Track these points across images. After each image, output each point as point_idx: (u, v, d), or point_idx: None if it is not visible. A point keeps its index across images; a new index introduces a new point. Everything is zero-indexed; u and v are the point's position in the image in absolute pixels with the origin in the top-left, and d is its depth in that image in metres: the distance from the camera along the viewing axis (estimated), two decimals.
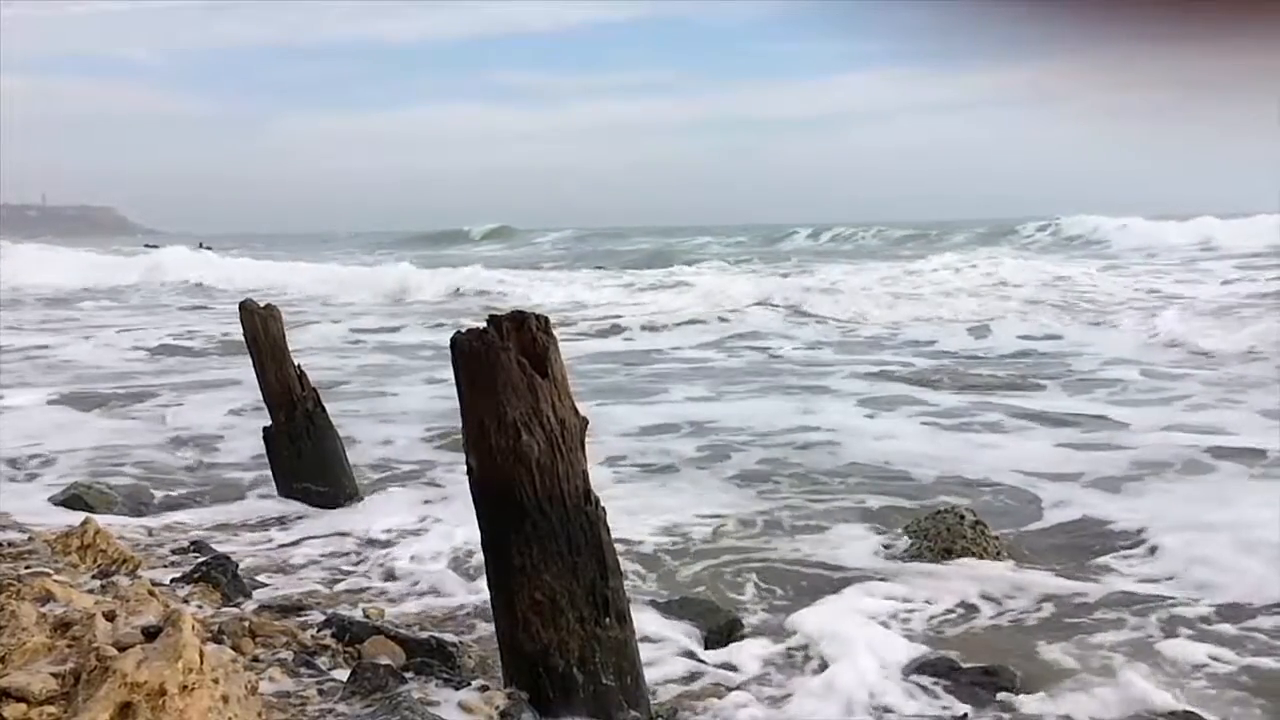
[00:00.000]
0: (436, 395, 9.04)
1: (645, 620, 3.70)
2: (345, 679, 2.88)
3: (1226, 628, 3.96)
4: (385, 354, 12.91)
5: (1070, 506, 5.63)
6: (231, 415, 8.42)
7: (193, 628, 2.28)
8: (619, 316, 16.36)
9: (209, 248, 58.10)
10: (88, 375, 11.05)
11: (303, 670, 3.00)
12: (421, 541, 5.03)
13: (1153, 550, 4.82)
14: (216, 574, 3.93)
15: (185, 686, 2.15)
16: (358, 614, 3.77)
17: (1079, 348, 12.11)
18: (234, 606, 3.70)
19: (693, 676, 3.45)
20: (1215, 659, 3.68)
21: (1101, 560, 4.77)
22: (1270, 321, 12.08)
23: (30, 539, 4.31)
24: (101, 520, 4.53)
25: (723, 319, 15.62)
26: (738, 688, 3.39)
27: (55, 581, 3.32)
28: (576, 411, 2.77)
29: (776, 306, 16.77)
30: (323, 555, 4.78)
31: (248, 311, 5.66)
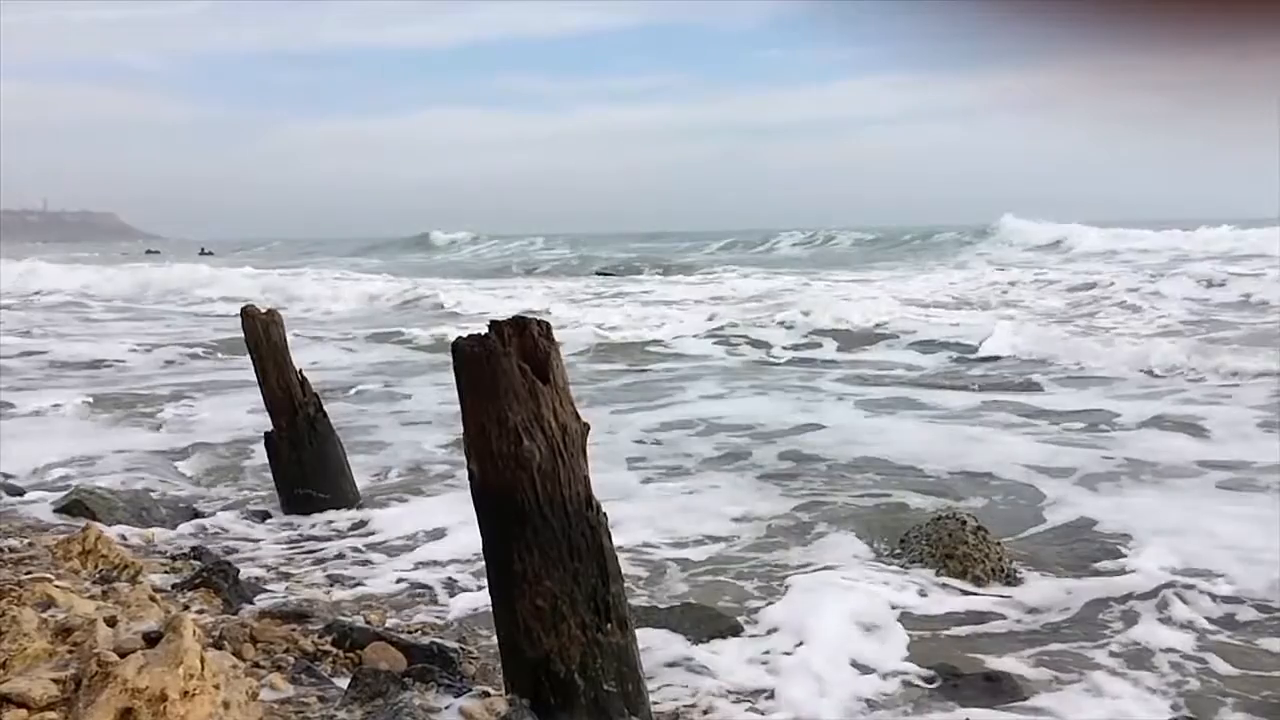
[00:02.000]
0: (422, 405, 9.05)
1: (646, 626, 3.70)
2: (346, 685, 2.88)
3: (1226, 632, 3.96)
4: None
5: (1070, 509, 5.63)
6: (229, 421, 8.41)
7: (194, 633, 2.28)
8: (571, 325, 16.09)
9: (210, 253, 58.24)
10: (87, 380, 11.06)
11: (303, 676, 3.00)
12: (422, 547, 5.03)
13: (1151, 553, 4.82)
14: (217, 580, 3.93)
15: (186, 692, 2.15)
16: (359, 620, 3.77)
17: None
18: (235, 612, 3.70)
19: (694, 682, 3.44)
20: (1214, 663, 3.68)
21: (1102, 564, 4.77)
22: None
23: (31, 544, 4.31)
24: (102, 525, 4.54)
25: (716, 321, 15.53)
26: (739, 693, 3.39)
27: (56, 587, 3.32)
28: (578, 417, 2.77)
29: (772, 309, 16.71)
30: (324, 561, 4.78)
31: (249, 317, 5.65)
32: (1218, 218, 36.23)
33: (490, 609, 2.92)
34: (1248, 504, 5.68)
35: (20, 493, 5.80)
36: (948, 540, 4.66)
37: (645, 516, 5.47)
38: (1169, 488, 6.09)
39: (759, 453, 7.18)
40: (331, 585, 4.40)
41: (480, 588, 3.95)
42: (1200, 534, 5.03)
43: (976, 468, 6.58)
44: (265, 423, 5.77)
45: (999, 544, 4.74)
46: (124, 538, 4.78)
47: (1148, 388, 9.53)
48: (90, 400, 9.39)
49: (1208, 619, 4.06)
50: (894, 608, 4.19)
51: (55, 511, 5.27)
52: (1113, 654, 3.77)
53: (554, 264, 38.43)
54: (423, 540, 5.12)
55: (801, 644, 3.80)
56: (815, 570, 4.69)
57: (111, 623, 2.66)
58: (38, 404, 9.18)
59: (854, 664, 3.65)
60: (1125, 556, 4.83)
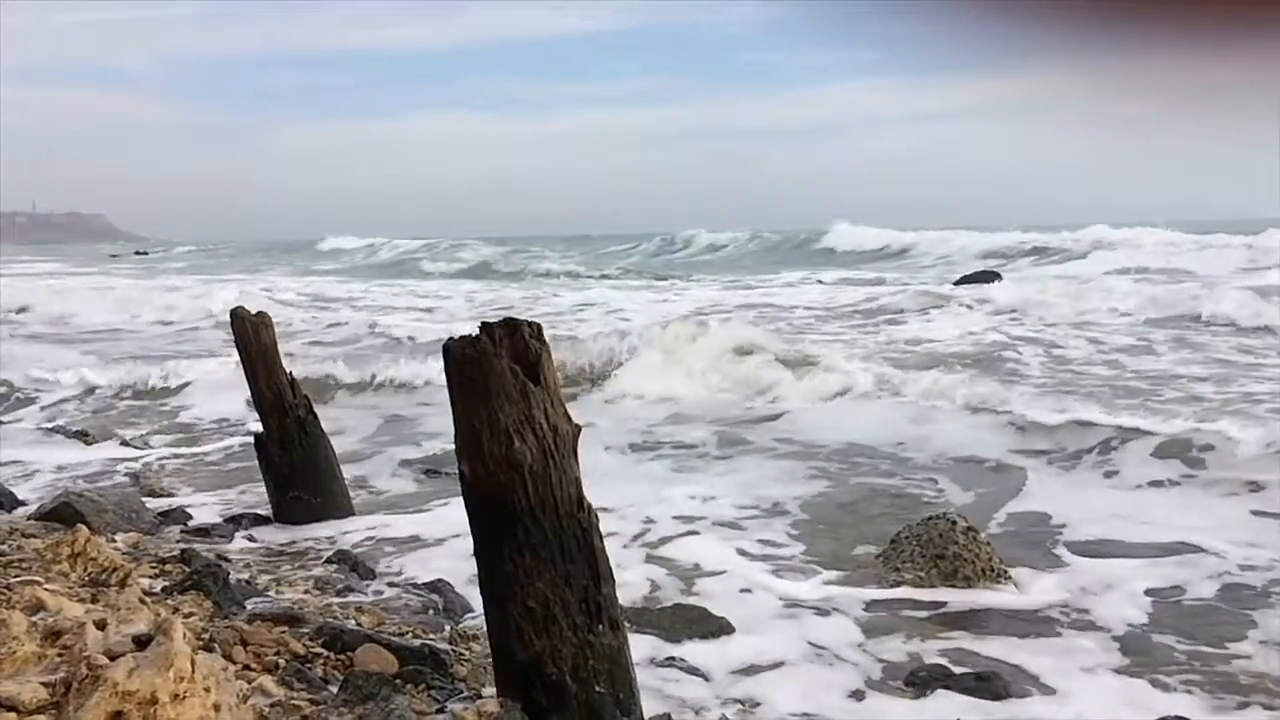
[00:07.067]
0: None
1: (639, 627, 3.70)
2: (337, 688, 2.87)
3: (1216, 629, 3.98)
4: None
5: (1059, 508, 5.66)
6: (222, 423, 8.39)
7: (184, 636, 2.27)
8: None
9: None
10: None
11: (295, 679, 2.98)
12: (414, 548, 5.02)
13: (1138, 549, 4.85)
14: (208, 582, 3.92)
15: (176, 695, 2.14)
16: (350, 622, 3.75)
17: None
18: (225, 615, 3.68)
19: (685, 684, 3.44)
20: (1207, 660, 3.69)
21: (1094, 564, 4.79)
22: None
23: (20, 547, 4.29)
24: (91, 529, 4.51)
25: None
26: (730, 694, 3.39)
27: (46, 590, 3.30)
28: (569, 418, 2.77)
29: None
30: (315, 563, 4.76)
31: (239, 319, 5.63)
32: (1190, 220, 36.17)
33: (482, 611, 2.92)
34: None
35: (11, 496, 5.77)
36: (938, 540, 4.67)
37: (633, 515, 5.46)
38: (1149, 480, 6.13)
39: (725, 453, 7.19)
40: (322, 588, 4.39)
41: (472, 589, 3.95)
42: (1189, 530, 5.07)
43: (970, 465, 6.60)
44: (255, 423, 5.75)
45: (988, 544, 4.76)
46: (114, 540, 4.76)
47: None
48: (81, 400, 9.35)
49: (1205, 617, 4.10)
50: (885, 607, 4.20)
51: (44, 515, 5.24)
52: (1107, 652, 3.79)
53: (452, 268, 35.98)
54: (415, 541, 5.11)
55: (794, 644, 3.81)
56: (808, 570, 4.70)
57: (101, 626, 2.65)
58: (40, 405, 9.14)
59: (844, 664, 3.65)
60: (1120, 554, 4.86)
